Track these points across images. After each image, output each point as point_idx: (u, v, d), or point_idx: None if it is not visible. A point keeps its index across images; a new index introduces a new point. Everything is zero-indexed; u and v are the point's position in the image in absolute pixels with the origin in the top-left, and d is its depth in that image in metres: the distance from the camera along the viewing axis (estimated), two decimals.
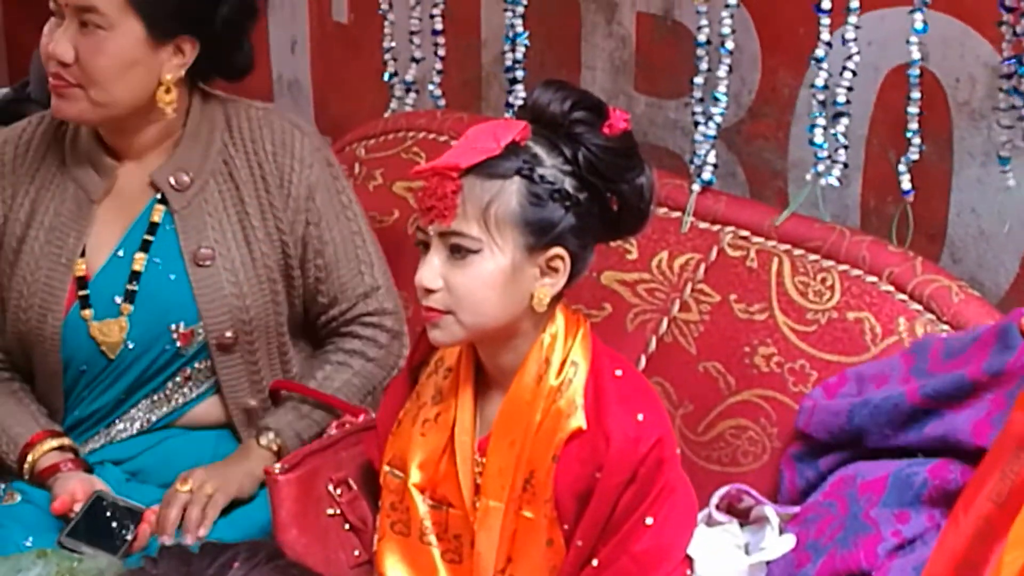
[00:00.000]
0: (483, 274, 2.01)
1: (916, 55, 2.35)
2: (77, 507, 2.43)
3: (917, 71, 2.36)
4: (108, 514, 2.45)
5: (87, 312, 2.55)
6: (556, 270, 2.04)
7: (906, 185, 2.42)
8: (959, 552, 0.94)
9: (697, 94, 2.60)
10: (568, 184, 2.01)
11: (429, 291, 2.02)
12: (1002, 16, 2.26)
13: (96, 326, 2.55)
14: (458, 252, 2.01)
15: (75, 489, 2.45)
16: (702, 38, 2.57)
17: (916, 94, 2.38)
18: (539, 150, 2.02)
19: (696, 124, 2.59)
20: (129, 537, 2.41)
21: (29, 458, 2.54)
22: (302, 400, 2.60)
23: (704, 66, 2.59)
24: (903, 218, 2.47)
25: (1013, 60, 2.28)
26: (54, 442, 2.56)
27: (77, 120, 2.55)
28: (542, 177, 2.00)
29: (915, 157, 2.40)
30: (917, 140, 2.40)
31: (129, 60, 2.45)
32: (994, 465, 0.94)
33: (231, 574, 1.24)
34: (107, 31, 2.42)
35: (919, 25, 2.33)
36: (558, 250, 2.02)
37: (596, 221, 2.06)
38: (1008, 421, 1.02)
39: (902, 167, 2.42)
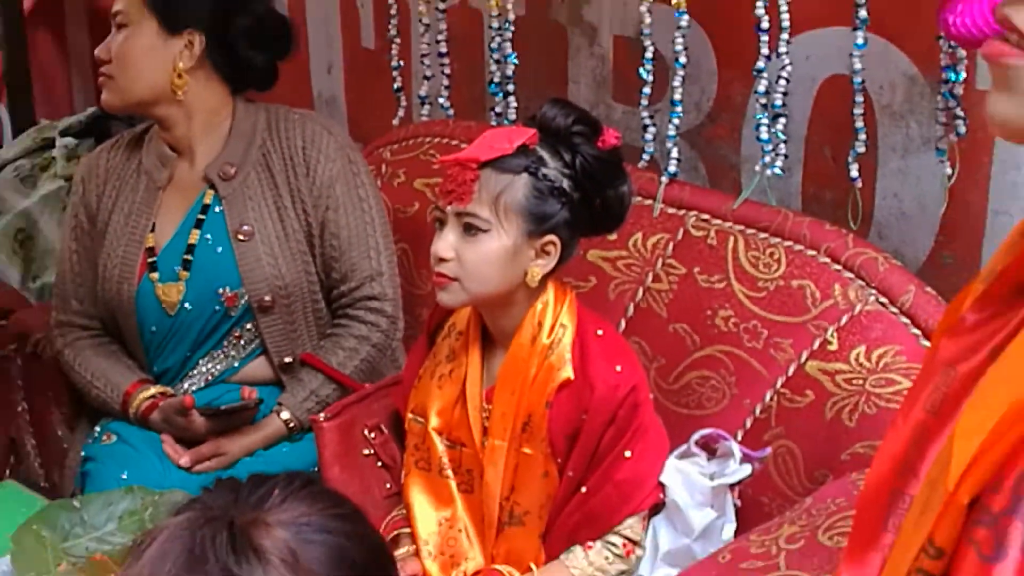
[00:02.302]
0: (489, 251, 2.03)
1: (858, 66, 2.32)
2: (194, 414, 2.52)
3: (860, 79, 2.34)
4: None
5: (154, 275, 2.61)
6: (548, 253, 2.07)
7: (854, 174, 2.40)
8: (898, 454, 0.91)
9: (644, 102, 2.57)
10: (566, 184, 2.04)
11: (442, 260, 2.04)
12: (939, 33, 2.23)
13: (160, 287, 2.61)
14: (470, 230, 2.03)
15: (186, 396, 2.56)
16: (649, 55, 2.54)
17: (860, 98, 2.35)
18: (544, 154, 2.05)
19: (645, 127, 2.58)
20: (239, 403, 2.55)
21: (133, 401, 2.60)
22: (320, 380, 2.61)
23: (650, 78, 2.55)
24: (853, 202, 2.45)
25: (948, 69, 2.26)
26: (152, 388, 2.62)
27: (113, 107, 2.66)
28: (545, 176, 2.03)
29: (861, 150, 2.38)
30: (863, 136, 2.38)
31: (145, 50, 2.55)
32: (926, 380, 0.95)
33: (271, 499, 1.22)
34: (129, 27, 2.55)
35: (860, 41, 2.30)
36: (552, 237, 2.06)
37: (584, 217, 2.09)
38: (934, 347, 0.98)
39: (850, 159, 2.40)
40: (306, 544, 1.19)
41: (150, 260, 2.63)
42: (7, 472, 2.93)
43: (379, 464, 2.35)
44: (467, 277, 2.05)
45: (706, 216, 2.48)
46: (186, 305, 2.61)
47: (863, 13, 2.30)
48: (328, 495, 1.30)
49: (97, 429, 2.68)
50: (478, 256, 2.04)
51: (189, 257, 2.62)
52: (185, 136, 2.65)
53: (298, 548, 1.18)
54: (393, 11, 3.04)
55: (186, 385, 2.68)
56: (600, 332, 2.16)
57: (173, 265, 2.62)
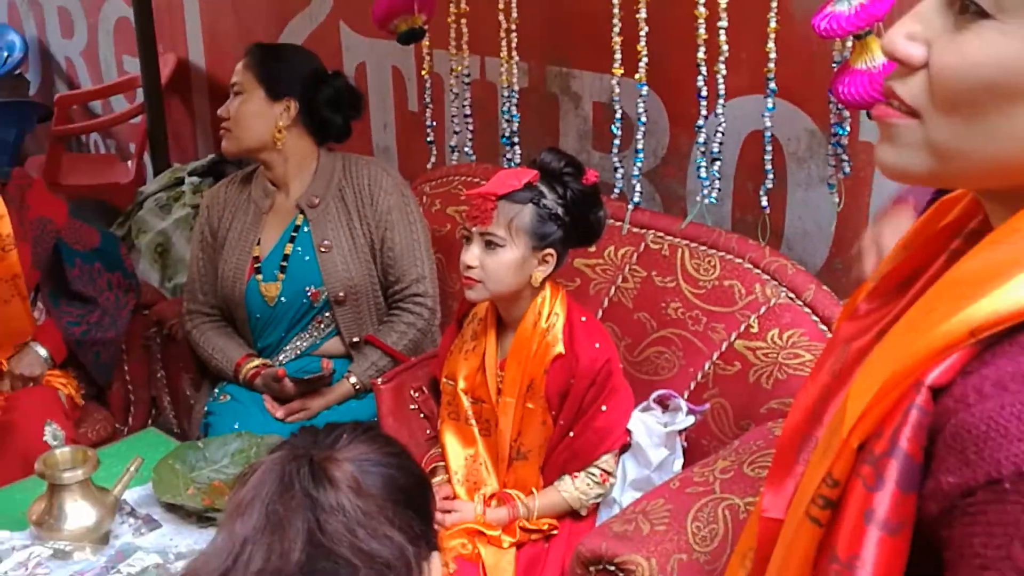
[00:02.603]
0: (504, 261, 2.05)
1: (768, 123, 2.33)
2: (286, 380, 2.53)
3: (770, 134, 2.34)
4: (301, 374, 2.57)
5: (258, 277, 2.63)
6: (547, 262, 2.08)
7: (764, 203, 2.40)
8: (808, 406, 0.91)
9: (615, 151, 2.58)
10: (560, 211, 2.05)
11: (469, 267, 2.06)
12: (830, 99, 2.24)
13: (263, 286, 2.63)
14: (490, 245, 2.04)
15: (278, 368, 2.57)
16: (618, 116, 2.54)
17: (770, 147, 2.35)
18: (544, 188, 2.06)
19: (615, 168, 2.58)
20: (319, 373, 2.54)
21: (242, 370, 2.62)
22: (380, 355, 2.61)
23: (619, 132, 2.56)
24: (763, 224, 2.43)
25: (838, 127, 2.27)
26: (256, 360, 2.64)
27: (231, 153, 2.68)
28: (545, 205, 2.04)
29: (770, 186, 2.38)
30: (772, 176, 2.37)
31: (255, 112, 2.58)
32: (830, 353, 0.94)
33: (341, 441, 1.25)
34: (244, 95, 2.59)
35: (770, 105, 2.30)
36: (550, 250, 2.07)
37: (573, 235, 2.10)
38: (837, 328, 0.97)
39: (762, 192, 2.40)
40: (366, 474, 1.21)
41: (256, 266, 2.64)
42: (149, 422, 2.95)
43: (421, 416, 2.36)
44: (488, 280, 2.06)
45: (661, 234, 2.48)
46: (282, 299, 2.63)
47: (772, 85, 2.30)
48: (383, 438, 1.31)
49: (216, 390, 2.70)
50: (496, 264, 2.05)
51: (284, 264, 2.63)
52: (282, 175, 2.66)
53: (360, 477, 1.20)
54: (428, 84, 3.04)
55: (281, 357, 2.68)
56: (583, 319, 2.16)
57: (273, 269, 2.63)
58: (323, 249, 2.61)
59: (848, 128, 2.30)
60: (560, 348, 2.10)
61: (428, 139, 3.05)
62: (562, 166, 2.07)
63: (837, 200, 2.41)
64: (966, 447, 0.68)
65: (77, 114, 4.89)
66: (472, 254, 2.06)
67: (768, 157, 2.38)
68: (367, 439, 1.27)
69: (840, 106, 2.25)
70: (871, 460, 0.74)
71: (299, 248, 2.63)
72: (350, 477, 1.19)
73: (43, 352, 2.73)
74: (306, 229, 2.64)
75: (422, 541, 1.24)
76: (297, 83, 2.61)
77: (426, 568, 1.24)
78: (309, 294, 2.62)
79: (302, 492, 1.16)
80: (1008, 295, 0.71)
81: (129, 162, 4.65)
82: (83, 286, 2.78)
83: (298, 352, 2.69)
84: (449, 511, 2.13)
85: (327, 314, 2.65)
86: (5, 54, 5.15)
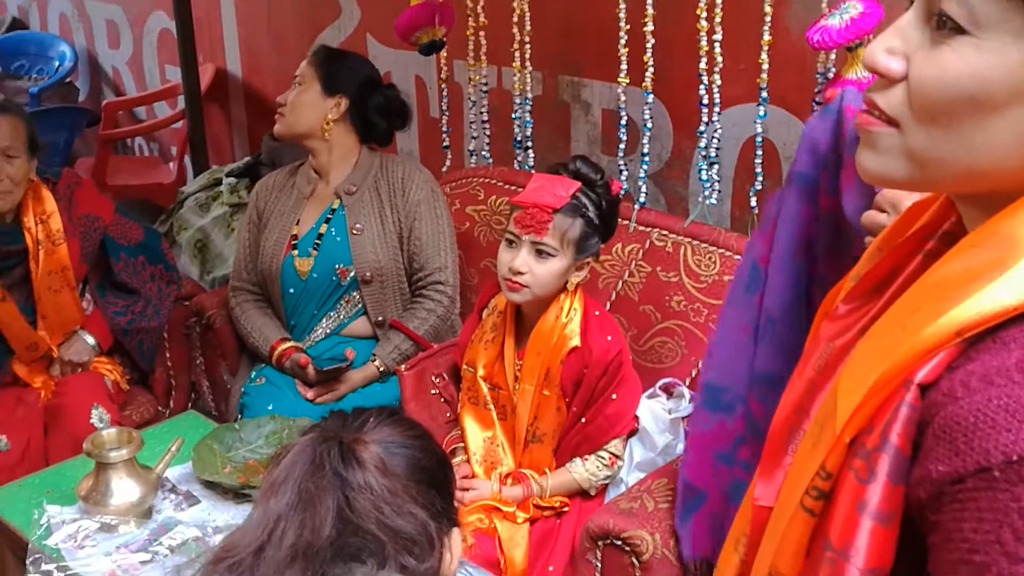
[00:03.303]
0: (553, 269, 2.05)
1: (759, 129, 2.33)
2: (309, 368, 2.56)
3: (760, 139, 2.34)
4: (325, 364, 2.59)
5: (294, 253, 2.66)
6: (583, 269, 2.10)
7: (753, 203, 2.39)
8: (795, 400, 0.89)
9: (620, 155, 2.57)
10: (598, 221, 2.07)
11: (519, 272, 2.04)
12: (814, 107, 2.24)
13: (297, 260, 2.65)
14: (542, 254, 2.03)
15: (303, 357, 2.58)
16: (624, 122, 2.54)
17: (760, 152, 2.34)
18: (586, 201, 2.06)
19: (621, 171, 2.56)
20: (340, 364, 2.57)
21: (275, 351, 2.63)
22: (403, 338, 2.60)
23: (625, 138, 2.55)
24: (752, 222, 2.44)
25: None
26: (288, 343, 2.65)
27: (282, 136, 2.71)
28: (589, 219, 2.05)
29: (759, 188, 2.37)
30: (760, 177, 2.36)
31: (309, 102, 2.63)
32: (813, 350, 0.93)
33: (368, 424, 1.26)
34: (302, 85, 2.64)
35: (762, 113, 2.31)
36: (589, 258, 2.10)
37: (603, 241, 2.13)
38: (816, 328, 0.95)
39: (751, 193, 2.39)
40: (392, 455, 1.21)
41: (293, 243, 2.67)
42: (189, 405, 2.95)
43: (442, 400, 2.36)
44: (535, 284, 2.06)
45: (665, 232, 2.48)
46: (313, 274, 2.65)
47: (764, 94, 2.29)
48: (407, 422, 1.31)
49: (252, 374, 2.71)
50: (547, 271, 2.05)
51: (318, 242, 2.65)
52: (325, 163, 2.69)
53: (386, 458, 1.20)
54: (447, 91, 3.04)
55: (311, 336, 2.70)
56: (597, 313, 2.16)
57: (307, 246, 2.65)
58: (355, 232, 2.62)
59: None
60: (576, 341, 2.09)
61: (444, 144, 3.05)
62: (597, 177, 2.08)
63: None
64: (956, 438, 0.68)
65: (123, 119, 4.90)
66: (523, 259, 2.04)
67: (759, 160, 2.37)
68: (392, 423, 1.28)
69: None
70: (863, 454, 0.73)
71: (333, 229, 2.65)
72: (377, 458, 1.19)
73: (91, 340, 2.74)
74: (342, 213, 2.66)
75: (443, 518, 1.24)
76: (352, 84, 2.65)
77: (447, 542, 1.25)
78: (338, 271, 2.63)
79: (332, 472, 1.17)
80: (990, 296, 0.70)
81: (171, 164, 4.66)
82: (128, 278, 2.79)
83: (327, 332, 2.70)
84: (468, 489, 2.13)
85: (354, 293, 2.66)
86: (57, 64, 5.17)
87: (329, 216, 2.67)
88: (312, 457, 1.19)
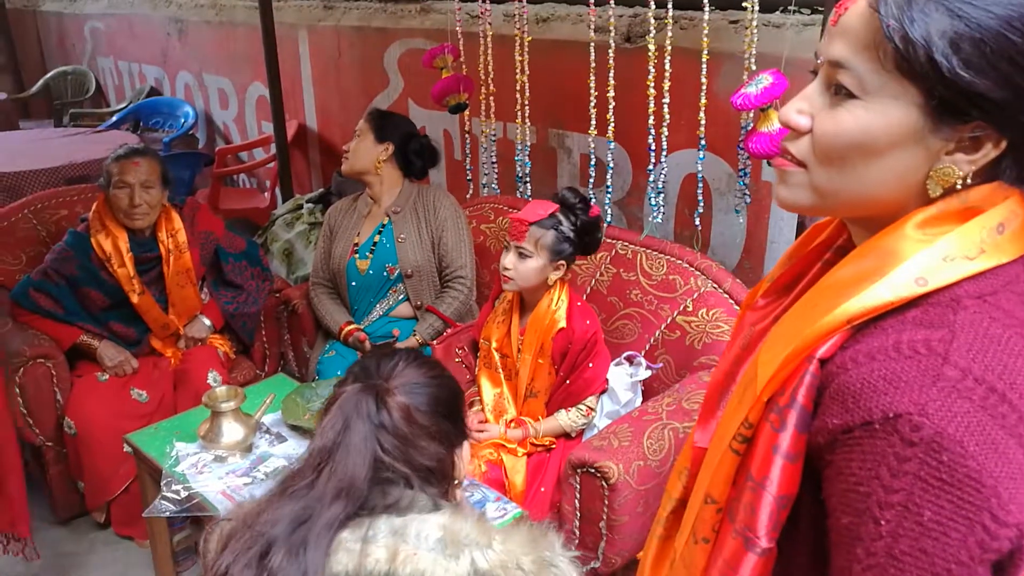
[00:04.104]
0: (530, 266, 2.02)
1: (700, 168, 2.29)
2: (366, 343, 2.54)
3: (701, 176, 2.30)
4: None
5: (356, 256, 2.63)
6: (559, 269, 2.06)
7: (697, 223, 2.34)
8: (725, 369, 0.88)
9: (590, 187, 2.53)
10: (572, 234, 2.03)
11: (507, 269, 2.03)
12: (739, 152, 2.23)
13: (358, 261, 2.62)
14: (522, 255, 2.02)
15: (361, 334, 2.56)
16: (593, 162, 2.50)
17: (701, 185, 2.30)
18: (562, 218, 2.03)
19: (592, 199, 2.52)
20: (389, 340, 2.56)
21: (342, 331, 2.61)
22: (435, 318, 2.57)
23: (594, 174, 2.53)
24: (696, 236, 2.41)
25: (743, 171, 2.24)
26: (351, 325, 2.61)
27: (348, 174, 2.63)
28: (562, 231, 2.02)
29: (701, 211, 2.33)
30: (701, 204, 2.32)
31: (366, 148, 2.59)
32: (738, 333, 0.92)
33: (396, 368, 1.18)
34: (359, 137, 2.61)
35: (701, 156, 2.27)
36: (563, 261, 2.05)
37: (579, 250, 2.07)
38: (741, 316, 0.92)
39: (696, 217, 2.35)
40: (415, 396, 1.16)
41: (355, 249, 2.64)
42: (279, 369, 2.94)
43: (463, 366, 2.34)
44: (518, 277, 2.05)
45: (626, 243, 2.45)
46: (370, 271, 2.61)
47: (703, 142, 2.27)
48: (428, 363, 1.23)
49: (326, 347, 2.68)
50: (525, 268, 2.03)
51: (374, 248, 2.62)
52: (378, 192, 2.65)
53: (409, 402, 1.14)
54: (468, 140, 3.02)
55: (368, 318, 2.66)
56: (579, 303, 2.14)
57: (366, 251, 2.62)
58: (400, 240, 2.59)
59: (749, 172, 2.27)
60: (563, 324, 2.07)
61: (467, 178, 3.04)
62: (576, 202, 2.05)
63: (743, 221, 2.39)
64: (846, 399, 0.67)
65: (231, 161, 4.89)
66: (510, 260, 2.04)
67: (700, 191, 2.35)
68: (416, 364, 1.21)
69: (744, 157, 2.23)
70: (777, 410, 0.72)
71: (384, 239, 2.62)
72: (403, 407, 1.13)
73: (207, 322, 2.72)
74: (390, 227, 2.62)
75: (456, 439, 1.19)
76: (396, 134, 2.62)
77: (458, 455, 1.20)
78: (388, 269, 2.60)
79: (368, 420, 1.11)
80: (873, 294, 0.70)
81: (265, 193, 4.65)
82: (234, 277, 2.78)
83: (380, 314, 2.66)
84: (482, 431, 2.12)
85: (400, 285, 2.62)
86: (183, 120, 5.16)
87: (381, 229, 2.63)
88: (355, 403, 1.12)
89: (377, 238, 2.63)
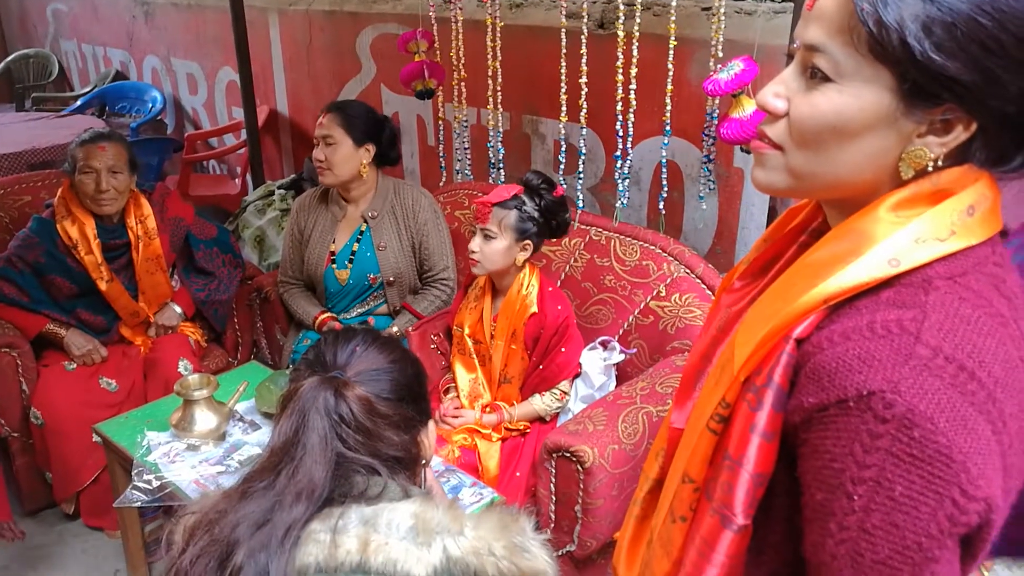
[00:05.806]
0: (497, 248, 2.01)
1: (665, 154, 2.29)
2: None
3: (666, 161, 2.31)
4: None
5: (334, 265, 2.56)
6: (526, 250, 2.05)
7: (661, 208, 2.35)
8: (702, 350, 0.88)
9: (560, 173, 2.52)
10: (536, 214, 2.02)
11: (473, 251, 2.02)
12: (703, 139, 2.24)
13: (337, 272, 2.55)
14: (487, 237, 2.01)
15: (336, 324, 2.51)
16: (564, 148, 2.48)
17: (664, 172, 2.31)
18: (526, 199, 2.02)
19: (563, 183, 2.53)
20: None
21: (317, 320, 2.56)
22: (414, 316, 2.53)
23: (563, 160, 2.51)
24: (663, 221, 2.41)
25: (707, 156, 2.25)
26: (326, 313, 2.56)
27: (331, 184, 2.52)
28: (526, 211, 2.01)
29: (665, 196, 2.34)
30: (665, 189, 2.34)
31: (346, 156, 2.44)
32: (714, 315, 0.91)
33: (355, 355, 1.13)
34: (335, 144, 2.43)
35: (666, 141, 2.27)
36: (528, 242, 2.04)
37: (545, 231, 2.06)
38: (717, 299, 0.92)
39: (660, 201, 2.35)
40: (375, 384, 1.11)
41: (332, 257, 2.57)
42: (252, 357, 2.90)
43: (439, 352, 2.32)
44: (485, 260, 2.03)
45: (600, 229, 2.45)
46: (350, 281, 2.55)
47: (668, 128, 2.27)
48: (388, 345, 1.17)
49: (299, 336, 2.65)
50: (491, 250, 2.02)
51: (352, 258, 2.55)
52: (355, 195, 2.56)
53: (370, 393, 1.10)
54: (441, 127, 3.00)
55: (347, 315, 2.61)
56: (551, 288, 2.14)
57: (344, 260, 2.55)
58: (381, 248, 2.52)
59: (713, 158, 2.27)
60: (534, 309, 2.08)
61: (441, 165, 3.02)
62: (539, 183, 2.03)
63: (716, 206, 2.39)
64: (822, 378, 0.67)
65: (200, 147, 4.82)
66: (476, 243, 2.03)
67: (664, 177, 2.35)
68: (376, 348, 1.15)
69: (709, 143, 2.23)
70: (753, 390, 0.73)
71: (363, 247, 2.55)
72: (363, 400, 1.09)
73: (178, 309, 2.69)
74: (368, 234, 2.55)
75: (419, 420, 1.16)
76: (372, 131, 2.48)
77: (424, 434, 1.17)
78: (369, 279, 2.54)
79: (326, 410, 1.06)
80: (848, 274, 0.70)
81: (236, 179, 4.59)
82: (205, 264, 2.74)
83: (358, 314, 2.61)
84: (456, 416, 2.12)
85: (379, 292, 2.57)
86: (150, 105, 5.07)
87: (359, 237, 2.54)
88: (315, 397, 1.06)
89: (356, 247, 2.56)
